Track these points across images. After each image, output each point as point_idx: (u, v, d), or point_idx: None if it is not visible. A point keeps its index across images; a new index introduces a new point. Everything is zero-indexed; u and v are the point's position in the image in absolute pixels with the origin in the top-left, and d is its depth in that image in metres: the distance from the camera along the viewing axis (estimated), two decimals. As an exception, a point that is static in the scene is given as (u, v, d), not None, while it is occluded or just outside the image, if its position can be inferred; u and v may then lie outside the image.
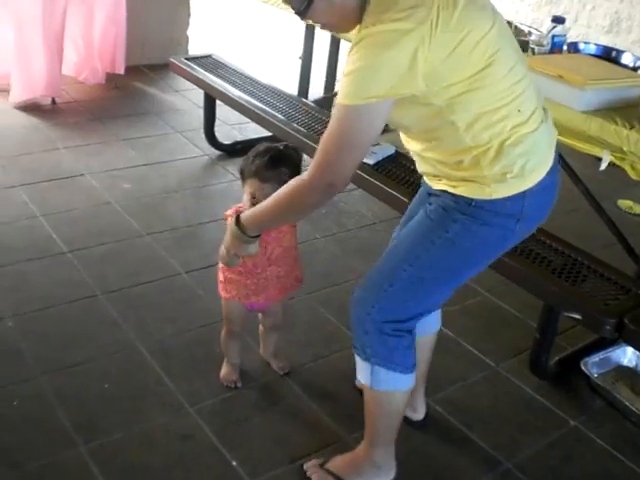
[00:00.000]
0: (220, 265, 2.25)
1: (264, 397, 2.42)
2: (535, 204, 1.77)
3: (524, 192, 1.73)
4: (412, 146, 1.85)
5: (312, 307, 2.90)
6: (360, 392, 2.20)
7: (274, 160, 2.11)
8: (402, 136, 1.88)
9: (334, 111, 1.63)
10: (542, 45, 2.91)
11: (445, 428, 2.36)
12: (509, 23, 3.20)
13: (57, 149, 4.02)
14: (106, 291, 2.85)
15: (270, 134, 3.62)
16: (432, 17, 1.52)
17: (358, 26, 1.62)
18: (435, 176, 1.83)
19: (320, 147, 1.66)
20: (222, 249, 2.05)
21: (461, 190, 1.74)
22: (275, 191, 1.85)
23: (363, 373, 1.95)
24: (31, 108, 4.47)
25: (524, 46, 2.96)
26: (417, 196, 2.10)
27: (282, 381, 2.49)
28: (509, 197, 1.72)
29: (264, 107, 3.61)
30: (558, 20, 2.96)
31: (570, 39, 3.44)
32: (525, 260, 2.44)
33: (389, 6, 1.54)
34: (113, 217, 3.40)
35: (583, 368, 2.53)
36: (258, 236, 1.95)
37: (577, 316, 2.26)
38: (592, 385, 2.53)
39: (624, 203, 4.01)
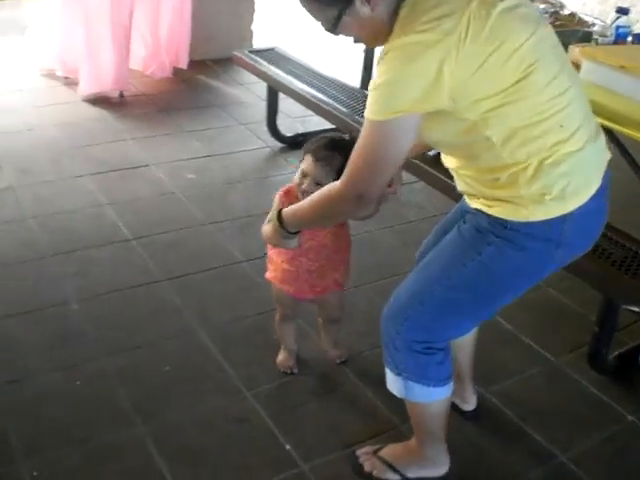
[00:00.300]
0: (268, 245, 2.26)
1: (320, 384, 2.45)
2: (577, 229, 1.66)
3: (564, 216, 1.62)
4: (449, 162, 1.79)
5: (370, 297, 2.92)
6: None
7: (333, 142, 2.13)
8: (441, 153, 1.83)
9: (363, 127, 1.60)
10: (605, 36, 2.87)
11: (500, 420, 2.35)
12: (572, 15, 3.17)
13: (124, 140, 4.12)
14: (169, 277, 2.92)
15: (333, 126, 3.64)
16: (461, 28, 1.46)
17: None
18: (472, 195, 1.75)
19: (351, 158, 1.63)
20: (265, 228, 2.04)
21: (496, 210, 1.66)
22: (326, 175, 1.90)
23: (396, 386, 1.94)
24: (99, 101, 4.60)
25: (587, 37, 2.93)
26: (453, 210, 2.04)
27: (339, 369, 2.52)
28: (547, 220, 1.62)
29: (326, 99, 3.64)
30: (622, 11, 2.91)
31: (638, 31, 3.37)
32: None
33: (417, 17, 1.49)
34: (177, 206, 3.48)
35: (643, 363, 2.49)
36: (298, 232, 1.94)
37: (636, 309, 2.23)
38: (652, 381, 2.50)
39: (692, 199, 3.92)
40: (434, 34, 1.46)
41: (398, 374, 1.91)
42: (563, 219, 1.62)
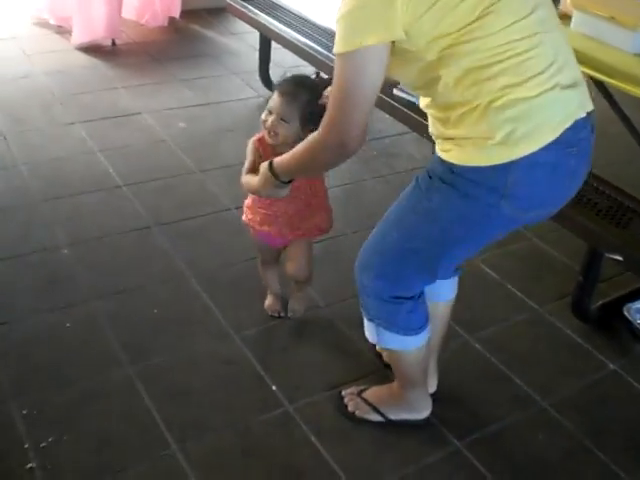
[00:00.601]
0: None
1: (306, 328, 2.49)
2: (525, 181, 1.60)
3: (508, 164, 1.56)
4: (420, 102, 1.79)
5: (358, 246, 2.91)
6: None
7: (299, 79, 2.15)
8: None
9: (334, 68, 1.58)
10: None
11: (483, 365, 2.39)
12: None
13: (116, 88, 4.11)
14: (158, 223, 2.94)
15: (325, 76, 3.62)
16: None
17: None
18: (434, 136, 1.73)
19: (329, 104, 1.62)
20: (246, 178, 2.10)
21: (447, 155, 1.64)
22: (291, 111, 1.99)
23: (369, 331, 2.00)
24: (92, 49, 4.56)
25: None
26: None
27: (325, 314, 2.55)
28: (490, 167, 1.58)
29: (319, 48, 3.61)
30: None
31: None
32: (570, 201, 2.43)
33: None
34: (168, 154, 3.48)
35: (625, 313, 2.52)
36: (290, 181, 1.96)
37: (618, 257, 2.25)
38: (633, 330, 2.52)
39: (683, 154, 3.93)
40: None
41: (370, 320, 1.96)
42: (507, 167, 1.57)
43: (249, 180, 2.10)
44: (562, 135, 1.58)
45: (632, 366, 2.43)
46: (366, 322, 1.99)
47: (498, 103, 1.53)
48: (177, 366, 2.28)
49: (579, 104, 1.64)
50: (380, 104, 3.18)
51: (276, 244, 2.40)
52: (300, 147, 1.77)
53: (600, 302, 2.60)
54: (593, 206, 2.44)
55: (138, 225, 2.93)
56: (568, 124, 1.59)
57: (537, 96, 1.54)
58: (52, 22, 4.78)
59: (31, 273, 2.62)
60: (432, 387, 2.21)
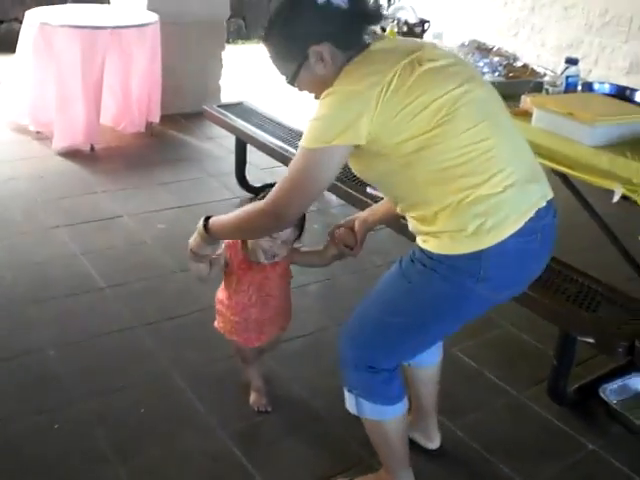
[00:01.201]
0: (217, 298, 2.45)
1: (291, 421, 2.53)
2: (499, 266, 1.76)
3: (480, 252, 1.73)
4: (397, 208, 1.95)
5: (337, 339, 3.00)
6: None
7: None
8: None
9: (296, 155, 1.80)
10: (556, 85, 3.03)
11: (466, 452, 2.44)
12: (525, 66, 3.36)
13: (96, 192, 4.22)
14: (143, 323, 3.00)
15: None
16: (385, 82, 1.69)
17: None
18: (415, 233, 1.89)
19: (279, 181, 1.82)
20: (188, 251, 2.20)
21: (427, 245, 1.80)
22: (292, 231, 2.21)
23: (349, 402, 2.07)
24: (71, 154, 4.69)
25: (538, 87, 3.10)
26: None
27: (309, 406, 2.60)
28: (464, 255, 1.74)
29: (292, 150, 3.77)
30: (571, 61, 3.09)
31: (588, 81, 3.56)
32: (541, 288, 2.54)
33: (354, 71, 1.76)
34: (149, 255, 3.57)
35: (602, 395, 2.59)
36: (218, 242, 2.13)
37: (590, 340, 2.35)
38: (610, 411, 2.60)
39: (646, 239, 4.08)
40: (362, 85, 1.71)
41: (349, 391, 2.04)
42: (479, 255, 1.73)
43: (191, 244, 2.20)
44: (526, 224, 1.76)
45: (611, 445, 2.50)
46: (346, 393, 2.06)
47: (467, 200, 1.72)
48: (166, 464, 2.30)
49: (541, 195, 1.82)
50: (354, 201, 3.32)
51: (252, 345, 2.47)
52: (240, 210, 1.94)
53: (576, 385, 2.68)
54: (563, 292, 2.55)
55: (123, 326, 2.98)
56: (531, 214, 1.77)
57: (502, 192, 1.73)
58: (32, 128, 4.91)
59: (18, 375, 2.65)
60: (436, 443, 2.38)
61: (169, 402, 2.57)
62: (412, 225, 1.87)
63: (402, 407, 2.04)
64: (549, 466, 2.41)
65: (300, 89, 1.93)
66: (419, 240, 1.84)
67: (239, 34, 8.25)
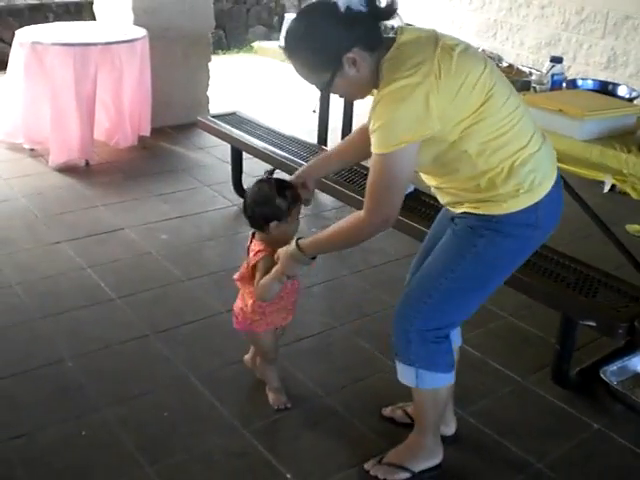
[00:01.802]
0: (252, 308, 2.49)
1: (309, 417, 2.63)
2: (547, 212, 2.03)
3: (536, 204, 1.99)
4: (432, 182, 2.14)
5: (347, 336, 3.12)
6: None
7: (286, 183, 2.40)
8: (422, 175, 2.15)
9: (372, 162, 1.93)
10: (542, 84, 3.17)
11: (478, 437, 2.56)
12: (510, 66, 3.49)
13: (96, 206, 4.29)
14: (155, 331, 3.09)
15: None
16: (435, 69, 1.83)
17: (375, 90, 1.93)
18: (457, 203, 2.09)
19: (368, 192, 1.96)
20: (262, 287, 2.31)
21: (482, 210, 2.01)
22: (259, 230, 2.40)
23: (407, 376, 2.20)
24: (67, 170, 4.76)
25: (526, 86, 3.23)
26: (436, 224, 2.35)
27: (325, 403, 2.70)
28: (524, 209, 1.98)
29: (287, 155, 3.88)
30: (556, 60, 3.22)
31: (570, 77, 3.71)
32: (541, 277, 2.67)
33: (398, 68, 1.86)
34: (154, 265, 3.66)
35: (602, 376, 2.72)
36: (314, 259, 2.20)
37: (592, 323, 2.48)
38: (611, 391, 2.72)
39: (632, 227, 4.22)
40: (416, 77, 1.83)
41: (410, 364, 2.17)
42: (536, 206, 1.99)
43: (264, 280, 2.30)
44: (558, 173, 2.08)
45: (614, 424, 2.63)
46: (403, 368, 2.20)
47: (518, 162, 1.96)
48: (193, 463, 2.39)
49: (553, 149, 2.12)
50: (351, 202, 3.43)
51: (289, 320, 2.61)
52: (341, 225, 2.07)
53: (578, 368, 2.81)
54: (562, 280, 2.67)
55: (136, 334, 3.06)
56: (556, 165, 2.10)
57: (539, 150, 2.00)
58: (26, 146, 4.98)
59: (40, 387, 2.72)
60: (452, 428, 2.51)
61: (190, 404, 2.66)
62: (454, 197, 2.07)
63: (453, 375, 2.24)
64: (557, 446, 2.53)
65: (334, 93, 2.06)
66: (468, 209, 2.04)
67: (219, 45, 8.35)
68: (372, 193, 1.95)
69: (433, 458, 2.34)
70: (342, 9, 1.86)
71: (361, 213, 2.00)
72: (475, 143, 1.93)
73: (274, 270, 2.26)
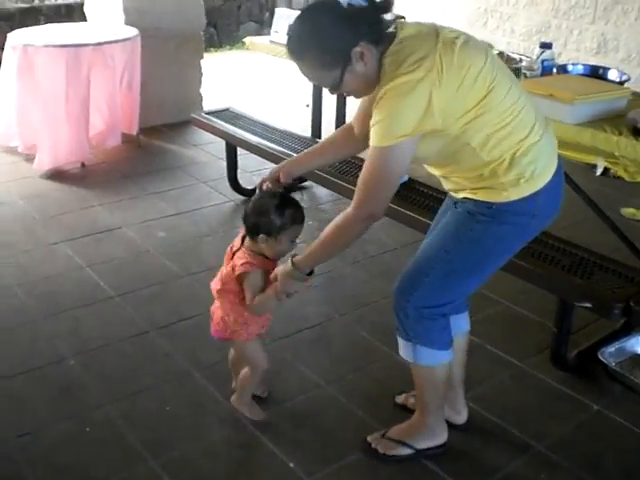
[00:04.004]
0: (233, 318, 2.42)
1: (310, 407, 2.65)
2: (547, 201, 2.07)
3: (536, 193, 2.02)
4: (436, 171, 2.18)
5: (347, 326, 3.14)
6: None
7: (293, 202, 2.34)
8: (426, 166, 2.19)
9: (369, 155, 1.95)
10: (533, 70, 3.19)
11: (479, 421, 2.58)
12: (501, 54, 3.51)
13: (93, 206, 4.31)
14: (156, 327, 3.11)
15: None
16: (437, 63, 1.86)
17: (377, 86, 1.94)
18: (459, 189, 2.13)
19: (360, 185, 1.98)
20: (258, 305, 2.30)
21: (481, 195, 2.05)
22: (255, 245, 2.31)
23: (406, 351, 2.25)
24: (63, 172, 4.78)
25: (516, 72, 3.24)
26: (442, 207, 2.38)
27: (325, 393, 2.72)
28: (524, 198, 2.02)
29: (282, 149, 3.89)
30: (545, 45, 3.24)
31: (562, 63, 3.72)
32: (537, 261, 2.69)
33: (400, 64, 1.88)
34: (153, 263, 3.67)
35: (600, 357, 2.74)
36: (310, 274, 2.20)
37: (588, 305, 2.50)
38: (610, 372, 2.75)
39: (627, 211, 4.23)
40: (419, 72, 1.85)
41: (408, 340, 2.22)
42: (535, 195, 2.02)
43: (261, 297, 2.29)
44: (558, 163, 2.11)
45: (613, 404, 2.66)
46: (403, 343, 2.25)
47: (519, 152, 1.99)
48: (197, 456, 2.41)
49: (554, 138, 2.14)
50: (348, 194, 3.44)
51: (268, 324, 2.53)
52: (328, 228, 2.07)
53: (576, 351, 2.83)
54: (557, 263, 2.69)
55: (136, 331, 3.08)
56: (557, 153, 2.12)
57: (540, 140, 2.02)
58: (20, 150, 4.94)
59: (43, 386, 2.74)
60: (463, 417, 2.53)
61: (192, 398, 2.68)
62: (457, 184, 2.11)
63: (451, 353, 2.27)
64: (559, 427, 2.56)
65: (344, 93, 2.07)
66: (468, 194, 2.08)
67: (211, 42, 8.35)
68: (363, 186, 1.97)
69: (435, 438, 2.38)
70: (344, 5, 1.89)
71: (348, 210, 2.02)
72: (478, 136, 1.95)
73: (271, 288, 2.25)
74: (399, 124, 1.87)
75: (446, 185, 2.21)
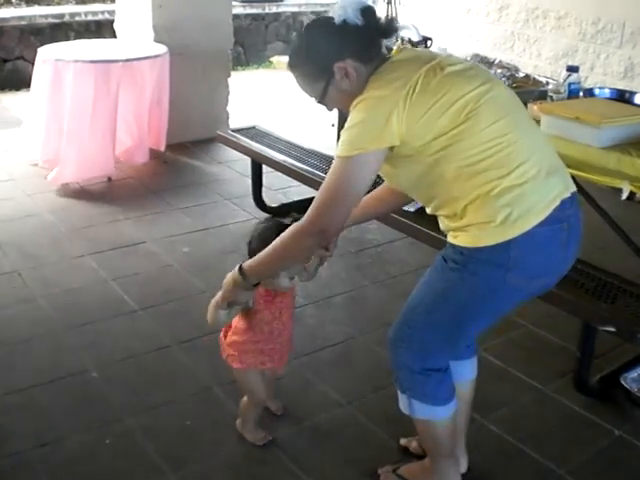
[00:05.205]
0: (229, 340, 2.44)
1: (331, 425, 2.65)
2: (527, 254, 1.86)
3: (508, 242, 1.83)
4: (427, 208, 2.06)
5: (368, 346, 3.14)
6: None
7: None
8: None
9: (331, 167, 1.91)
10: (559, 92, 3.19)
11: (500, 444, 2.56)
12: (527, 76, 3.51)
13: (118, 220, 4.35)
14: (178, 342, 3.12)
15: (313, 196, 3.90)
16: (411, 84, 1.83)
17: None
18: (445, 230, 2.01)
19: (317, 197, 1.91)
20: (211, 308, 2.24)
21: (458, 240, 1.92)
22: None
23: (402, 403, 2.17)
24: (90, 186, 4.84)
25: (543, 95, 3.25)
26: None
27: (346, 412, 2.72)
28: (493, 246, 1.84)
29: (308, 168, 3.92)
30: (572, 69, 3.24)
31: (589, 86, 3.72)
32: (561, 284, 2.65)
33: (377, 80, 1.90)
34: (176, 278, 3.70)
35: (622, 383, 2.72)
36: (256, 285, 2.15)
37: (611, 329, 2.48)
38: (632, 398, 2.72)
39: (652, 236, 4.20)
40: (386, 90, 1.85)
41: (403, 392, 2.14)
42: (507, 245, 1.84)
43: (210, 306, 2.25)
44: (551, 214, 1.86)
45: (636, 430, 2.63)
46: (399, 394, 2.16)
47: (494, 192, 1.83)
48: (217, 471, 2.42)
49: (564, 186, 1.93)
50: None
51: (283, 363, 2.49)
52: (278, 239, 1.99)
53: (598, 376, 2.81)
54: (581, 286, 2.68)
55: (159, 345, 3.10)
56: (556, 203, 1.88)
57: (525, 183, 1.84)
58: (40, 165, 4.94)
59: (64, 397, 2.76)
60: (463, 467, 2.37)
61: (212, 413, 2.69)
62: (443, 224, 2.00)
63: (452, 407, 2.13)
64: (580, 452, 2.53)
65: (330, 108, 2.07)
66: (450, 237, 1.96)
67: (238, 61, 8.43)
68: (319, 197, 1.91)
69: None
70: (338, 22, 1.92)
71: (300, 222, 1.94)
72: (451, 167, 1.85)
73: (217, 295, 2.20)
74: (361, 136, 1.85)
75: (440, 225, 2.06)
